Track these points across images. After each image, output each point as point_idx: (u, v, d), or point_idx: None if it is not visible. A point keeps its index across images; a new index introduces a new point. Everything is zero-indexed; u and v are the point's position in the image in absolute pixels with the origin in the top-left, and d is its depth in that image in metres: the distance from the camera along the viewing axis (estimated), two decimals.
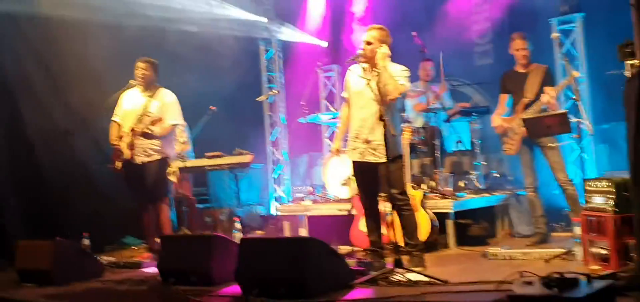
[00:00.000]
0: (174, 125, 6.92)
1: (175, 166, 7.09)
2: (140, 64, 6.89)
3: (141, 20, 8.27)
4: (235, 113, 9.26)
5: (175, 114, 6.91)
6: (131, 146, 6.78)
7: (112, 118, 7.03)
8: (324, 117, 8.42)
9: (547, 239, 6.09)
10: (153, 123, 6.68)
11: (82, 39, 8.03)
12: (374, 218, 5.62)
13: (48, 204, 7.88)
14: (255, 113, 10.26)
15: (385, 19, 8.72)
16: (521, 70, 6.21)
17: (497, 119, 6.37)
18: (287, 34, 10.26)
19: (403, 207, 5.44)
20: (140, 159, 6.81)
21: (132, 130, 6.78)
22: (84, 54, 8.06)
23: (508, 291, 3.36)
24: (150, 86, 6.92)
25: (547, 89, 5.95)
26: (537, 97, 6.01)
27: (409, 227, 5.47)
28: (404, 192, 5.47)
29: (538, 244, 5.94)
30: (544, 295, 2.93)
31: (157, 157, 6.84)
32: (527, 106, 6.06)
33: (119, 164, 6.87)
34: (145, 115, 6.77)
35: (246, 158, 8.18)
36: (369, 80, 5.35)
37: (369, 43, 5.39)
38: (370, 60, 5.41)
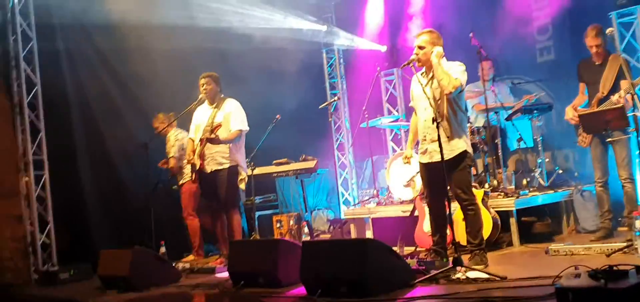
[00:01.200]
0: (240, 130, 7.11)
1: (245, 173, 7.36)
2: (201, 80, 7.19)
3: (207, 33, 8.65)
4: (303, 120, 9.52)
5: (238, 119, 7.11)
6: (202, 156, 7.07)
7: (188, 136, 7.40)
8: (384, 121, 8.56)
9: (612, 234, 6.02)
10: (215, 128, 6.90)
11: (152, 52, 8.42)
12: (437, 218, 5.74)
13: (130, 214, 8.35)
14: (322, 119, 10.50)
15: (442, 19, 8.87)
16: (597, 61, 6.09)
17: (569, 112, 6.29)
18: (348, 40, 10.47)
19: (468, 207, 5.54)
20: (210, 167, 7.09)
21: (201, 140, 7.09)
22: (156, 66, 8.48)
23: None
24: (215, 98, 7.21)
25: (623, 82, 5.74)
26: (612, 91, 5.87)
27: (473, 226, 5.56)
28: (468, 192, 5.55)
29: (603, 239, 5.88)
30: (589, 286, 3.01)
31: (227, 165, 7.08)
32: (601, 101, 5.95)
33: (194, 176, 7.21)
34: (211, 125, 7.04)
35: (310, 164, 8.44)
36: (426, 84, 5.50)
37: (421, 47, 5.52)
38: (426, 63, 5.55)
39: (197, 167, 7.10)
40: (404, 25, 9.71)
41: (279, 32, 9.66)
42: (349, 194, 10.58)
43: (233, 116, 7.10)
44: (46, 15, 7.87)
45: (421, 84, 5.46)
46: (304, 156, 8.72)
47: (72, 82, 8.24)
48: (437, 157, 5.39)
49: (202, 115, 7.29)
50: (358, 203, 8.97)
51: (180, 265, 7.16)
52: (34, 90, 7.67)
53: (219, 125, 6.92)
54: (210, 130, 6.92)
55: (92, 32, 8.38)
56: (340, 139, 10.75)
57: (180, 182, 8.19)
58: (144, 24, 8.16)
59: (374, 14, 10.17)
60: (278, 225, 8.80)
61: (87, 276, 7.20)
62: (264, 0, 9.64)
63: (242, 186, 7.33)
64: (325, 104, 9.01)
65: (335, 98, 9.54)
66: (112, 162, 8.40)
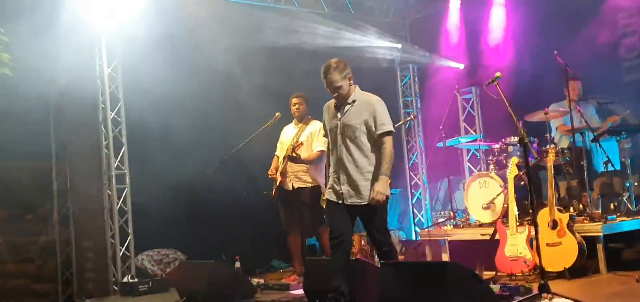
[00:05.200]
0: (321, 151, 7.12)
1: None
2: (293, 100, 7.42)
3: (278, 52, 8.74)
4: None
5: (321, 141, 7.13)
6: (283, 173, 7.24)
7: (275, 152, 7.59)
8: (463, 140, 8.39)
9: None
10: (297, 147, 7.05)
11: (222, 71, 8.45)
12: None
13: (205, 229, 8.48)
14: (395, 138, 10.36)
15: (523, 38, 8.66)
16: None
17: None
18: (423, 57, 10.35)
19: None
20: (291, 184, 7.25)
21: (284, 158, 7.25)
22: (230, 84, 8.57)
23: None
24: (303, 118, 7.42)
25: None
26: None
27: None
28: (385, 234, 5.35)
29: None
30: None
31: (309, 184, 7.22)
32: None
33: (274, 192, 7.38)
34: (295, 143, 7.20)
35: None
36: (341, 117, 5.31)
37: (337, 88, 5.21)
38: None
39: (278, 183, 7.28)
40: (483, 43, 9.53)
41: (352, 50, 9.61)
42: (421, 215, 10.40)
43: (316, 137, 7.22)
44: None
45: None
46: None
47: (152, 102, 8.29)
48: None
49: (287, 133, 7.51)
50: (432, 225, 8.79)
51: (255, 281, 7.19)
52: (118, 106, 7.85)
53: (301, 144, 7.11)
54: (291, 149, 7.06)
55: (170, 54, 8.43)
56: (414, 159, 10.61)
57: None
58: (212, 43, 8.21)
59: (452, 31, 10.02)
60: None
61: (165, 288, 7.34)
62: (335, 19, 9.64)
63: (325, 205, 7.31)
64: (400, 122, 8.90)
65: (411, 117, 9.43)
66: (191, 177, 8.42)
